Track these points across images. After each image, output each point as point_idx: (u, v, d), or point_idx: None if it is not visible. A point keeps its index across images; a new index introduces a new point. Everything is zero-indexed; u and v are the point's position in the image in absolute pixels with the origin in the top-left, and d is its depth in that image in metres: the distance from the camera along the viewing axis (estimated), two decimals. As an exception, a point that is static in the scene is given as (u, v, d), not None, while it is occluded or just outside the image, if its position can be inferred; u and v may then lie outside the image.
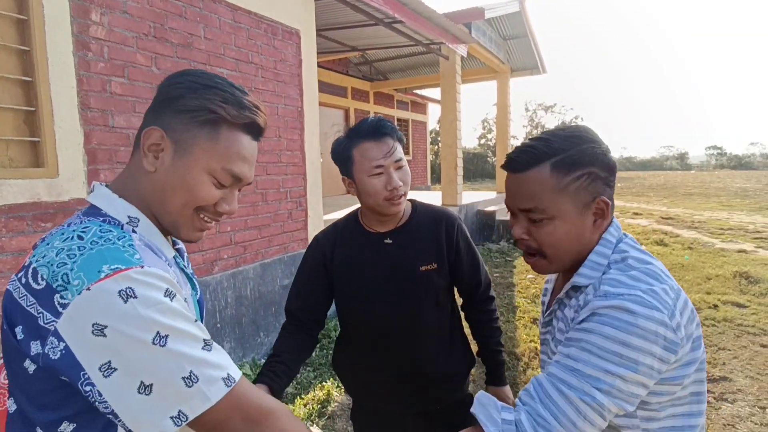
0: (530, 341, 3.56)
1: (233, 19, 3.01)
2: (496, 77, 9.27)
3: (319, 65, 8.59)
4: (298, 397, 2.76)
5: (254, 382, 1.15)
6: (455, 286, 1.39)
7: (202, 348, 0.64)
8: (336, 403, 2.75)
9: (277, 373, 1.19)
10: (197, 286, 0.86)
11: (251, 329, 3.26)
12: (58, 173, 2.13)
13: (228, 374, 0.65)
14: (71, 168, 2.18)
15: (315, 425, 2.53)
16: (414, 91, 12.58)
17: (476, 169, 27.07)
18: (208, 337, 0.67)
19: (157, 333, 0.59)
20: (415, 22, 4.93)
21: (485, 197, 8.49)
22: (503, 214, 7.92)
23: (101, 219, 0.70)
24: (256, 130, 0.78)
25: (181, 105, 0.73)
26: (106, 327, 0.58)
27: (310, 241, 3.80)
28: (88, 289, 0.58)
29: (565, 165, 0.82)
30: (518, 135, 34.97)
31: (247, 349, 3.22)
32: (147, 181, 0.74)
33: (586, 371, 0.73)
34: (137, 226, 0.73)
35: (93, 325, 0.58)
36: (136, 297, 0.59)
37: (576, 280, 0.86)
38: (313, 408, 2.67)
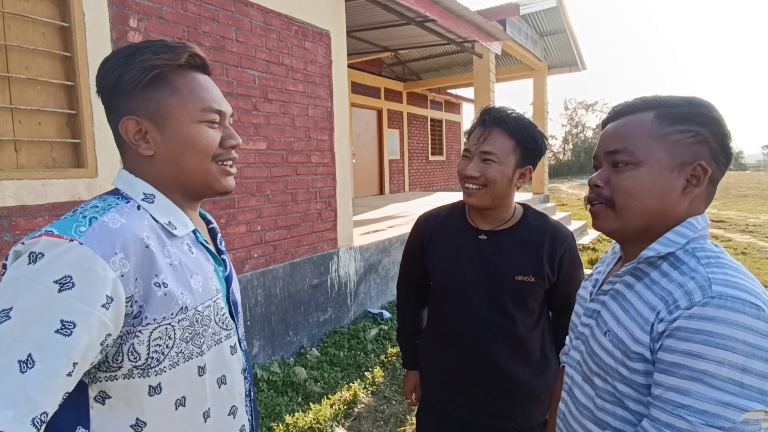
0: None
1: (264, 22, 3.06)
2: (533, 75, 9.03)
3: (352, 66, 8.64)
4: (325, 397, 2.76)
5: (411, 368, 1.48)
6: (548, 302, 1.31)
7: (18, 360, 0.55)
8: (362, 405, 2.73)
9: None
10: (227, 263, 0.86)
11: (280, 328, 3.29)
12: (97, 173, 2.22)
13: None
14: (109, 168, 2.27)
15: (340, 426, 2.53)
16: (447, 91, 12.45)
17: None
18: (47, 361, 0.56)
19: (7, 309, 0.57)
20: (448, 21, 4.86)
21: (519, 198, 8.29)
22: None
23: (114, 196, 0.73)
24: (199, 64, 0.78)
25: (125, 85, 0.72)
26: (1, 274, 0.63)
27: (339, 242, 3.82)
28: (23, 243, 0.64)
29: (673, 116, 0.72)
30: (557, 134, 34.04)
31: (276, 348, 3.25)
32: (153, 165, 0.75)
33: (698, 406, 0.60)
34: (152, 202, 0.74)
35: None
36: (35, 263, 0.59)
37: (645, 253, 0.73)
38: (339, 409, 2.66)
